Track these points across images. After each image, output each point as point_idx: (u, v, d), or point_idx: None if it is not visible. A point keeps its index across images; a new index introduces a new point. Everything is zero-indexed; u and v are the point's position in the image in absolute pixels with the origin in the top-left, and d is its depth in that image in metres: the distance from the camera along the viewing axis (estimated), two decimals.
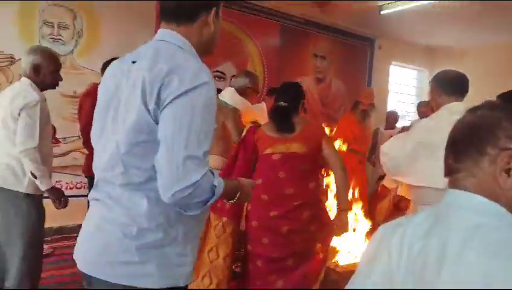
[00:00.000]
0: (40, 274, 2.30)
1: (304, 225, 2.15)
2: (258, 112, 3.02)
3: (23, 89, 2.17)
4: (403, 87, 7.33)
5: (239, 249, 2.41)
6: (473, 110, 0.79)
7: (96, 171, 1.19)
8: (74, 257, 1.19)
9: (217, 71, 5.05)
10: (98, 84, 1.29)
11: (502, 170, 0.72)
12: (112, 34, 4.20)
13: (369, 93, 4.28)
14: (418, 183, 2.01)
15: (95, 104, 1.22)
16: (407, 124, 5.20)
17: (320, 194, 2.38)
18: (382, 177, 4.15)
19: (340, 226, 2.22)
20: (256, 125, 2.48)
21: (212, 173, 1.11)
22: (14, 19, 3.79)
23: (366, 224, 3.17)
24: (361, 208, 3.35)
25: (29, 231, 2.17)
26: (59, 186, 3.91)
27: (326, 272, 2.46)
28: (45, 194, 2.25)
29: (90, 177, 2.83)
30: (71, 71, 4.07)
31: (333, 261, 2.92)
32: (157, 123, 1.05)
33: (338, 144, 3.80)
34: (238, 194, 1.24)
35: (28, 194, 2.18)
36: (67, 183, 4.09)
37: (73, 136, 4.02)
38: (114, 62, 1.23)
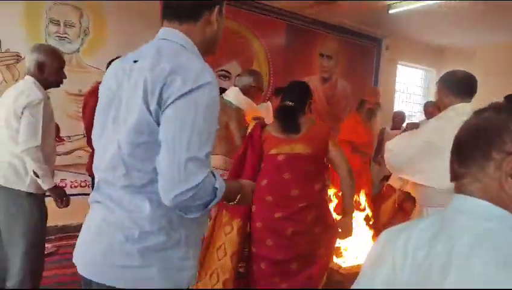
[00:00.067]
0: (41, 273, 2.29)
1: (308, 227, 2.13)
2: (264, 112, 3.00)
3: (26, 88, 2.16)
4: (409, 87, 7.27)
5: (244, 249, 2.39)
6: (478, 113, 0.78)
7: (97, 173, 1.17)
8: (74, 261, 1.16)
9: (222, 70, 5.03)
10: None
11: (508, 175, 0.71)
12: (118, 33, 4.19)
13: (375, 92, 4.24)
14: (421, 181, 2.02)
15: None
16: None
17: (326, 195, 2.34)
18: (387, 177, 4.12)
19: (345, 229, 2.19)
20: (261, 121, 2.45)
21: (214, 175, 1.08)
22: (20, 17, 3.79)
23: (369, 230, 3.13)
24: (366, 208, 3.31)
25: (31, 230, 2.16)
26: (63, 185, 3.98)
27: (330, 273, 2.43)
28: (47, 193, 2.24)
29: (94, 177, 2.83)
30: (77, 69, 4.08)
31: (336, 262, 2.90)
32: (158, 124, 1.03)
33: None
34: (238, 196, 1.22)
35: (30, 193, 2.17)
36: (71, 181, 4.10)
37: (78, 135, 4.02)
38: (116, 61, 1.20)
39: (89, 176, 3.62)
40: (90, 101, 3.26)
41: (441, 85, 2.08)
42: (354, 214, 2.26)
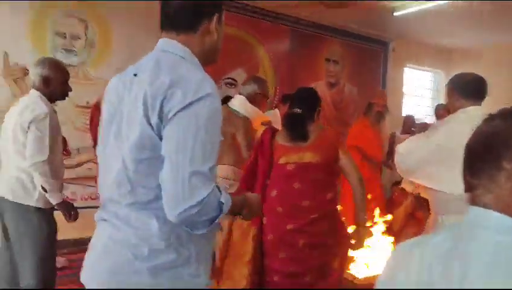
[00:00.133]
0: (53, 286, 2.27)
1: (321, 239, 2.08)
2: (272, 119, 2.98)
3: (32, 102, 2.16)
4: (418, 89, 7.20)
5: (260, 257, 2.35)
6: (488, 120, 0.76)
7: (102, 190, 1.15)
8: (81, 280, 1.14)
9: (228, 78, 5.03)
10: None
11: None
12: (124, 44, 4.22)
13: (383, 95, 4.20)
14: (433, 186, 1.98)
15: None
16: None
17: (338, 204, 2.29)
18: (398, 182, 4.07)
19: (358, 240, 2.14)
20: (271, 126, 2.41)
21: (219, 189, 1.06)
22: (26, 30, 3.84)
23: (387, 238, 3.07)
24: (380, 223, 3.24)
25: (42, 246, 2.15)
26: (74, 198, 3.98)
27: (344, 284, 2.38)
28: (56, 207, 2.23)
29: None
30: (84, 82, 4.11)
31: (350, 272, 2.85)
32: (160, 138, 1.01)
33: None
34: (243, 211, 1.20)
35: (38, 208, 2.16)
36: (82, 194, 4.10)
37: (86, 147, 4.03)
38: (116, 76, 1.19)
39: None
40: (95, 114, 3.27)
41: (451, 88, 2.05)
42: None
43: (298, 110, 2.18)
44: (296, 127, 2.16)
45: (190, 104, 0.98)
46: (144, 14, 4.22)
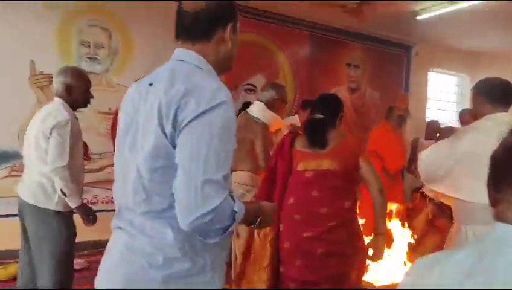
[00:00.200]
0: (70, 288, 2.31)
1: (339, 247, 2.03)
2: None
3: (54, 109, 2.23)
4: (442, 94, 7.03)
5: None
6: None
7: (117, 198, 1.16)
8: (95, 284, 1.15)
9: (248, 84, 5.04)
10: None
11: None
12: (146, 52, 4.29)
13: (404, 98, 4.12)
14: (457, 195, 1.92)
15: None
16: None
17: (356, 213, 2.23)
18: (418, 188, 3.95)
19: (376, 251, 2.08)
20: (293, 130, 2.38)
21: (232, 198, 1.05)
22: (52, 40, 3.96)
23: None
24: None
25: (60, 249, 2.19)
26: (95, 201, 4.06)
27: None
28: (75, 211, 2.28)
29: None
30: (107, 89, 4.20)
31: (368, 280, 2.77)
32: (174, 147, 1.01)
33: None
34: (258, 219, 1.18)
35: (58, 212, 2.21)
36: (103, 197, 4.18)
37: (108, 152, 4.11)
38: (133, 85, 1.20)
39: None
40: (116, 121, 3.33)
41: (476, 93, 1.98)
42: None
43: (320, 115, 2.15)
44: (315, 133, 2.12)
45: (204, 112, 0.98)
46: (166, 22, 4.27)
